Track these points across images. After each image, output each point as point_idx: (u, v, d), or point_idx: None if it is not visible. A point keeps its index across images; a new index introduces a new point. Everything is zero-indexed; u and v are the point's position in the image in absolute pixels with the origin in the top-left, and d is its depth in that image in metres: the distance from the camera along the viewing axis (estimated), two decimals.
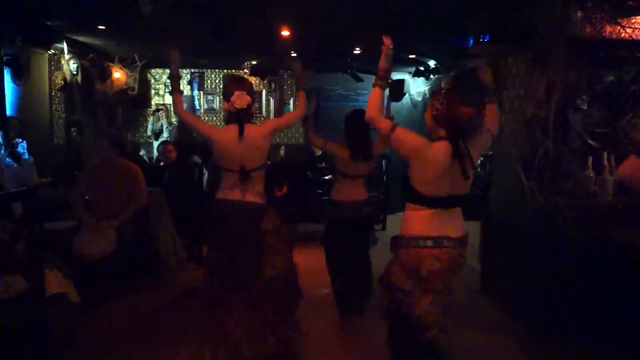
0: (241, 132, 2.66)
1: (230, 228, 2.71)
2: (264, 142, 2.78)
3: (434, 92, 2.29)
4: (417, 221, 2.20)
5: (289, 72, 8.59)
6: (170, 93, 2.84)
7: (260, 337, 2.73)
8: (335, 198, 3.62)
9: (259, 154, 2.76)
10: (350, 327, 3.55)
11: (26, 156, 4.66)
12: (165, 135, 7.60)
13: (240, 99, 2.66)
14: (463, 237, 2.25)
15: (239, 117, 2.69)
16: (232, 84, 2.75)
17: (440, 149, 2.14)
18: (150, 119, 7.86)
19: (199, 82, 8.61)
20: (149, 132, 7.87)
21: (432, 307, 2.15)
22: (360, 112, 3.58)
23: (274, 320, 2.81)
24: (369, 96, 2.26)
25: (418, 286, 2.15)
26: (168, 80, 8.59)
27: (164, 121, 7.76)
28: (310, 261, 3.90)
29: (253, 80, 7.76)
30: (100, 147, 4.12)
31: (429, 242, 2.15)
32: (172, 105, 3.07)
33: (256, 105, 8.13)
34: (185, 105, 3.13)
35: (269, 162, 2.99)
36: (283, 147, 7.05)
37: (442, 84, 2.54)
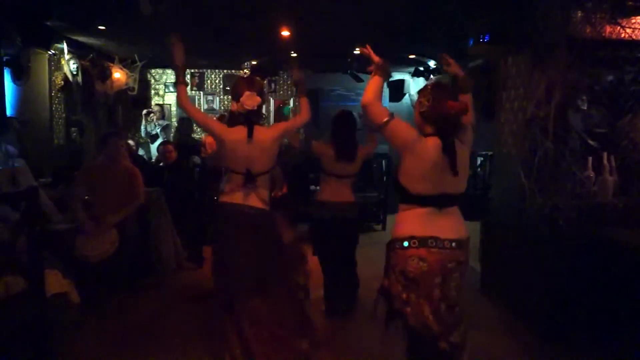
0: (250, 133, 2.60)
1: (231, 231, 2.66)
2: (273, 145, 2.72)
3: (420, 89, 2.25)
4: (405, 221, 2.13)
5: (288, 72, 8.61)
6: (175, 85, 2.74)
7: (278, 342, 2.68)
8: (319, 198, 3.64)
9: (266, 157, 2.70)
10: (342, 330, 3.54)
11: None
12: (161, 139, 7.57)
13: (250, 100, 2.60)
14: (460, 239, 2.13)
15: (249, 118, 2.63)
16: (242, 84, 2.68)
17: (431, 144, 2.08)
18: (143, 121, 7.83)
19: (198, 82, 8.61)
20: (142, 134, 7.85)
21: (432, 316, 2.05)
22: (347, 113, 3.63)
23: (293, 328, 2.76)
24: (367, 84, 2.17)
25: (411, 292, 2.06)
26: (168, 81, 8.62)
27: (155, 124, 7.72)
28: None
29: None
30: (114, 145, 4.12)
31: (414, 242, 2.06)
32: (176, 100, 2.95)
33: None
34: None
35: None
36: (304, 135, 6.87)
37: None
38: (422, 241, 2.06)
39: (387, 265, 2.21)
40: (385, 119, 2.09)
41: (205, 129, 2.77)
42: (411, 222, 2.11)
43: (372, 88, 2.17)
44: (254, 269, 2.66)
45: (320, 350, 3.13)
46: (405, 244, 2.07)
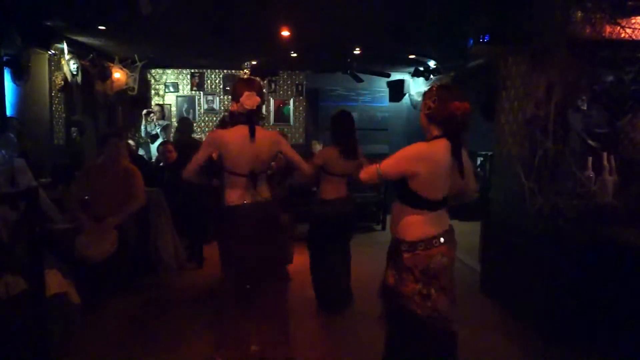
0: (252, 133, 2.64)
1: (241, 231, 2.69)
2: (272, 146, 2.77)
3: (425, 91, 2.27)
4: (424, 224, 2.16)
5: (289, 72, 8.61)
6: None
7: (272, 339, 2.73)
8: (323, 197, 3.72)
9: (266, 156, 2.76)
10: (337, 329, 3.55)
11: None
12: (161, 139, 7.56)
13: (249, 100, 2.63)
14: (451, 226, 2.27)
15: (250, 118, 2.67)
16: (241, 85, 2.72)
17: (441, 146, 2.10)
18: (143, 121, 7.82)
19: (198, 82, 8.61)
20: (142, 134, 7.84)
21: (449, 302, 2.18)
22: (345, 113, 3.74)
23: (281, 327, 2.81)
24: (362, 176, 2.29)
25: (431, 286, 2.14)
26: (168, 81, 8.61)
27: (155, 124, 7.70)
28: (302, 262, 3.92)
29: None
30: (114, 145, 4.12)
31: (436, 242, 2.15)
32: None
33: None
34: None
35: (273, 163, 3.04)
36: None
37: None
38: (443, 238, 2.17)
39: (396, 265, 2.22)
40: (376, 165, 2.17)
41: (213, 150, 2.76)
42: (430, 223, 2.16)
43: (362, 174, 2.29)
44: (260, 257, 2.72)
45: (317, 349, 3.14)
46: (442, 240, 2.16)
